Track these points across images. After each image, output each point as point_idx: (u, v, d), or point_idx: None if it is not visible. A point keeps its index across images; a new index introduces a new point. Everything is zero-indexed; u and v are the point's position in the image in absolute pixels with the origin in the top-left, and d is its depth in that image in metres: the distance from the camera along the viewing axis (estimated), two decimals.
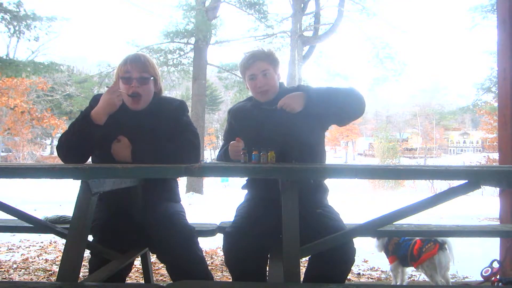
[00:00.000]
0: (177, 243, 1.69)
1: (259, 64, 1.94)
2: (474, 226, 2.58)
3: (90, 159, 1.94)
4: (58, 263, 3.13)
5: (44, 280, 3.06)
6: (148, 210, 1.83)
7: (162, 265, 3.45)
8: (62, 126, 16.88)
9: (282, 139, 1.85)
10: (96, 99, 1.89)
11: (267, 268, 1.75)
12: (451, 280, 2.66)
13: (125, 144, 1.77)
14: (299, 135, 1.87)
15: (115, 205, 1.84)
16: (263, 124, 1.93)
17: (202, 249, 1.83)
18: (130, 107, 1.86)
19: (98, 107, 1.76)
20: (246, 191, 2.06)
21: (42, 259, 3.76)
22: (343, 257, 1.62)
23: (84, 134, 1.73)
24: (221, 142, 2.03)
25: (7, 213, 1.70)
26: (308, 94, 1.83)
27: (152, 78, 1.86)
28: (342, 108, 1.83)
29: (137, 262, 3.24)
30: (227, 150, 1.92)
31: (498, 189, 2.93)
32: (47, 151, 38.55)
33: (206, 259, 1.84)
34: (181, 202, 2.05)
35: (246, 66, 1.96)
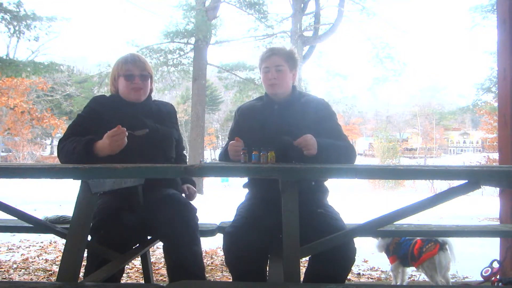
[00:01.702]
0: (179, 220, 1.73)
1: (275, 58, 1.98)
2: (474, 226, 2.58)
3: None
4: (58, 263, 3.13)
5: (44, 280, 3.06)
6: (148, 196, 1.86)
7: (162, 265, 3.45)
8: (62, 126, 16.89)
9: (285, 140, 1.86)
10: (96, 100, 2.00)
11: (267, 268, 1.75)
12: (451, 280, 2.66)
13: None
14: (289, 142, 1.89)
15: (117, 201, 1.86)
16: (270, 124, 1.95)
17: (202, 247, 1.84)
18: (132, 98, 2.01)
19: (105, 148, 1.69)
20: (247, 190, 2.07)
21: (42, 259, 3.76)
22: (343, 256, 1.62)
23: (85, 158, 1.70)
24: (221, 142, 2.06)
25: (7, 213, 1.70)
26: (320, 144, 1.79)
27: (150, 76, 2.06)
28: (335, 158, 1.82)
29: (137, 262, 3.25)
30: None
31: (498, 189, 2.93)
32: (47, 151, 38.54)
33: (205, 259, 1.84)
34: None
35: (262, 58, 2.02)
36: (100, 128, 1.81)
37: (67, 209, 1.92)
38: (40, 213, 2.40)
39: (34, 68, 9.83)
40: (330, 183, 2.03)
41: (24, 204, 7.37)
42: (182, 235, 1.72)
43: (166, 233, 1.76)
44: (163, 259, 3.65)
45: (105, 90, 13.44)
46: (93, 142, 1.71)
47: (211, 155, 42.53)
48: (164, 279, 3.09)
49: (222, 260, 3.56)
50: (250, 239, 1.66)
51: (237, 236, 1.70)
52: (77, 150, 1.70)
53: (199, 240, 1.80)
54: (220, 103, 46.52)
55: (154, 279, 2.50)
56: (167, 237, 1.77)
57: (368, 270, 3.47)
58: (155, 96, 2.30)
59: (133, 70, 1.98)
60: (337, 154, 1.81)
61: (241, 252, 1.66)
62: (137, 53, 2.12)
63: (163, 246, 1.80)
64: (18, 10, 9.71)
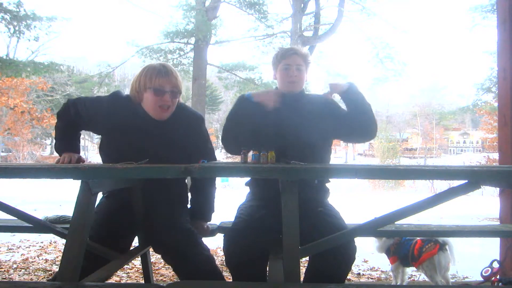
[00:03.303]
0: (181, 246, 1.71)
1: (296, 57, 2.02)
2: (474, 226, 2.58)
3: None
4: (58, 263, 3.12)
5: (44, 280, 3.06)
6: (150, 211, 1.84)
7: (162, 265, 3.45)
8: None
9: (285, 138, 1.87)
10: (115, 99, 1.95)
11: (267, 268, 1.75)
12: (451, 280, 2.66)
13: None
14: (305, 136, 1.90)
15: (117, 201, 1.87)
16: (278, 112, 1.96)
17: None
18: (156, 117, 1.87)
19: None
20: (248, 189, 2.08)
21: (42, 259, 3.76)
22: (344, 255, 1.62)
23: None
24: (221, 142, 2.06)
25: (7, 213, 1.70)
26: (351, 85, 2.00)
27: (180, 92, 1.92)
28: (364, 115, 1.94)
29: (137, 262, 3.25)
30: (235, 126, 1.94)
31: (498, 189, 2.93)
32: (47, 151, 38.49)
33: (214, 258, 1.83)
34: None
35: (284, 56, 2.03)
36: (95, 123, 1.90)
37: (67, 209, 1.92)
38: (40, 213, 2.40)
39: (34, 68, 9.82)
40: (330, 183, 2.03)
41: (24, 204, 7.37)
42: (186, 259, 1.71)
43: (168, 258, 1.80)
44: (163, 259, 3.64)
45: (105, 90, 13.42)
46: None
47: None
48: (164, 279, 3.08)
49: (222, 260, 3.55)
50: (250, 242, 1.66)
51: (237, 239, 1.70)
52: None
53: (203, 249, 1.78)
54: (220, 103, 46.52)
55: (154, 279, 2.49)
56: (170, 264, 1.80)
57: (368, 270, 3.47)
58: None
59: (164, 85, 1.82)
60: (366, 106, 1.95)
61: (241, 255, 1.66)
62: (168, 64, 1.92)
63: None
64: (18, 10, 9.69)
